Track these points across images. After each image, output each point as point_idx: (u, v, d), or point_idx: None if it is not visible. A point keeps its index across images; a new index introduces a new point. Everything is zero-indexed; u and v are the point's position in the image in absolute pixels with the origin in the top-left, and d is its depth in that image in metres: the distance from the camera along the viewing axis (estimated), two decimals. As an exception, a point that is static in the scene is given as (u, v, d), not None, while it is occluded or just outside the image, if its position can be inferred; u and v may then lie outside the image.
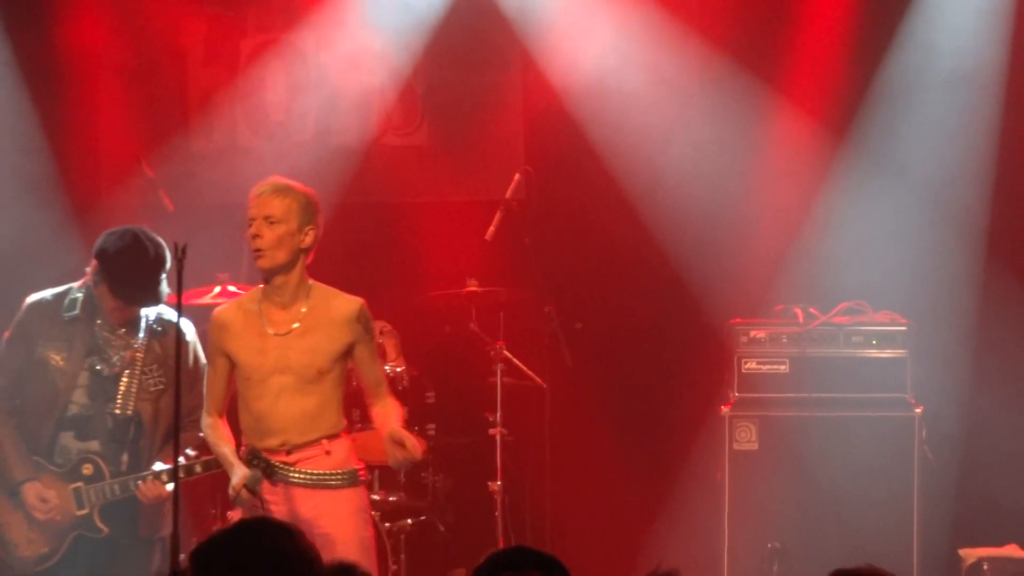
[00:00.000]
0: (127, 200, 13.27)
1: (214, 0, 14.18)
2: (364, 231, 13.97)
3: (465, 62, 14.10)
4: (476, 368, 13.00)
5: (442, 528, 12.65)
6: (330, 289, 10.02)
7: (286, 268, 9.77)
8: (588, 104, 13.69)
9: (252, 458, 9.66)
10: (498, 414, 12.60)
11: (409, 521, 12.47)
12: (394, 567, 12.04)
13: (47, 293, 10.44)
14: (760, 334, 12.66)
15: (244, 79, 14.12)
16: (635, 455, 13.41)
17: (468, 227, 13.31)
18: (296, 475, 9.77)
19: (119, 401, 10.24)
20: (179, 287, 10.21)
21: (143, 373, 10.31)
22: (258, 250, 9.73)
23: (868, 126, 13.43)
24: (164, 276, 10.24)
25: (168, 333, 10.31)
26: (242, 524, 5.77)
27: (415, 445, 9.62)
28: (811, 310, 12.66)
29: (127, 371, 10.29)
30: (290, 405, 9.76)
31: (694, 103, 13.59)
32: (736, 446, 12.36)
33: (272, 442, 9.74)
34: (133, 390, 10.27)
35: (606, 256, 13.78)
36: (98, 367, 10.26)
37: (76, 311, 10.31)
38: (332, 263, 13.29)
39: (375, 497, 12.26)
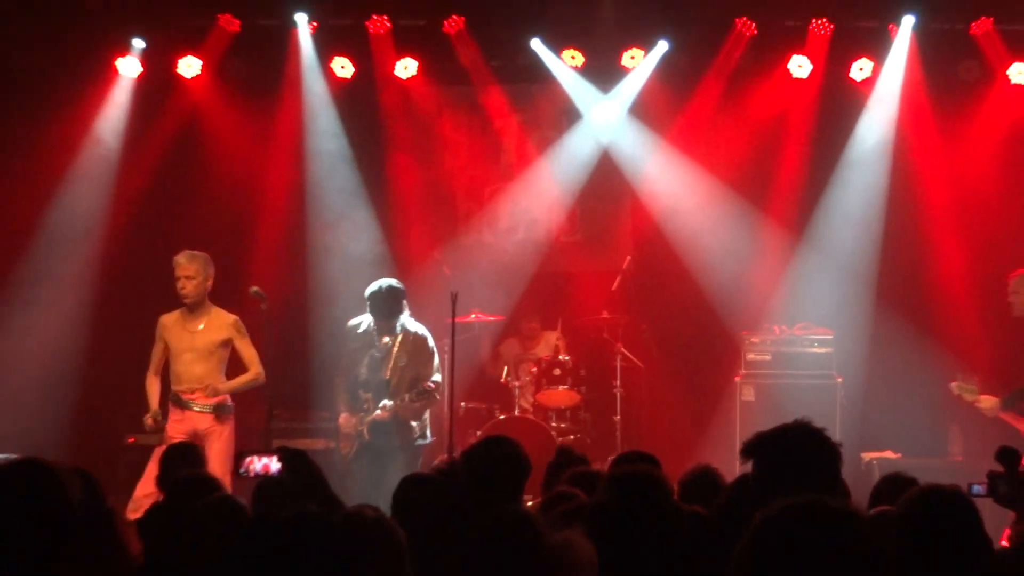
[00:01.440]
0: (425, 270, 13.19)
1: (470, 166, 13.99)
2: (548, 287, 13.75)
3: (601, 197, 13.86)
4: (606, 357, 12.84)
5: (588, 441, 12.38)
6: (216, 308, 10.53)
7: (200, 300, 10.38)
8: (663, 218, 13.55)
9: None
10: (618, 381, 12.68)
11: (571, 437, 12.30)
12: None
13: (352, 319, 10.80)
14: (756, 339, 12.62)
15: (487, 207, 14.01)
16: (688, 403, 13.25)
17: (603, 283, 13.10)
18: (195, 405, 10.27)
19: (383, 370, 10.53)
20: (453, 314, 10.60)
21: (396, 356, 10.51)
22: (185, 295, 10.36)
23: (812, 229, 13.31)
24: (395, 302, 10.52)
25: (413, 334, 10.59)
26: (491, 439, 5.98)
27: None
28: (783, 327, 12.64)
29: (387, 355, 10.53)
30: (191, 367, 10.32)
31: (720, 215, 13.39)
32: (743, 399, 12.36)
33: (181, 387, 10.31)
34: (390, 365, 10.51)
35: (674, 298, 13.47)
36: (374, 354, 10.57)
37: (364, 327, 10.65)
38: (534, 305, 13.36)
39: (552, 424, 12.40)
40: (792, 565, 2.74)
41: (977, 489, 5.83)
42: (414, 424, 10.65)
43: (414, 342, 10.62)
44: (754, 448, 4.45)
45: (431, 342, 10.66)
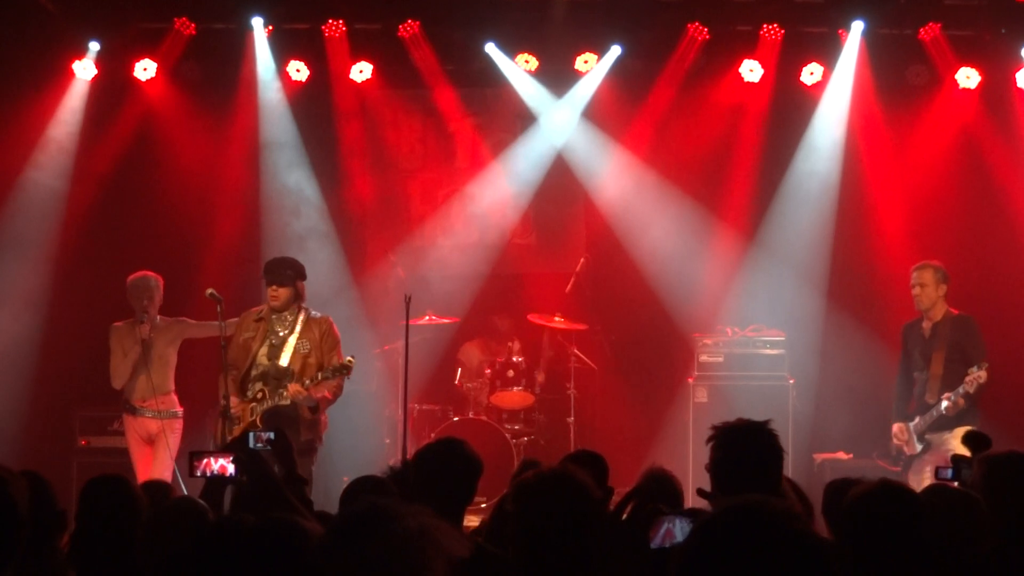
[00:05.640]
0: (380, 270, 13.19)
1: (424, 169, 13.81)
2: (501, 289, 13.52)
3: (555, 199, 13.68)
4: (562, 360, 12.79)
5: (542, 442, 12.35)
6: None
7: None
8: (616, 220, 13.38)
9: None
10: (572, 383, 12.57)
11: (525, 439, 12.29)
12: (518, 463, 11.82)
13: (252, 309, 10.07)
14: (708, 341, 12.43)
15: (441, 209, 13.80)
16: (642, 404, 13.11)
17: (556, 286, 12.99)
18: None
19: (282, 358, 9.69)
20: (407, 316, 10.31)
21: (297, 343, 9.68)
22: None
23: (764, 231, 13.16)
24: (294, 272, 9.82)
25: (317, 320, 9.82)
26: (441, 440, 5.79)
27: None
28: (736, 328, 12.50)
29: (287, 342, 9.70)
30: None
31: (672, 218, 13.19)
32: (696, 400, 12.17)
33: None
34: (290, 352, 9.68)
35: (628, 300, 13.29)
36: (273, 341, 9.71)
37: (261, 314, 9.85)
38: (486, 307, 13.35)
39: (506, 426, 12.25)
40: (732, 567, 2.68)
41: (944, 473, 5.94)
42: (311, 424, 9.76)
43: (318, 328, 9.86)
44: (720, 436, 4.87)
45: (336, 329, 9.95)
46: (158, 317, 10.74)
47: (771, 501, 2.79)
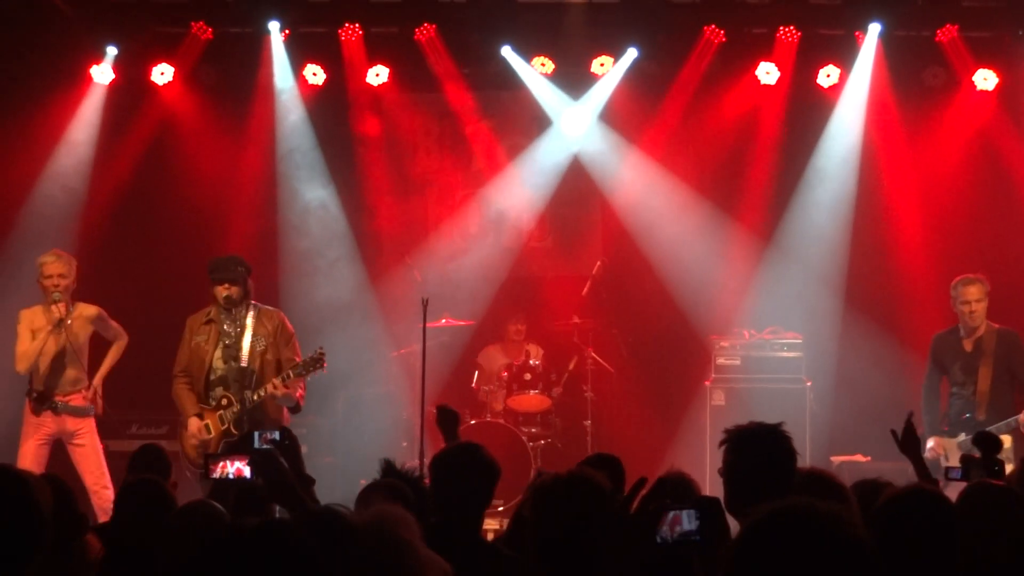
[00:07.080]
0: (397, 274, 13.09)
1: (441, 171, 13.74)
2: (518, 291, 13.52)
3: (571, 202, 13.61)
4: (578, 361, 12.65)
5: (559, 445, 12.27)
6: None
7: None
8: (632, 223, 13.32)
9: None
10: (589, 385, 12.51)
11: (542, 442, 12.21)
12: (535, 466, 11.59)
13: (197, 312, 9.72)
14: (725, 343, 12.36)
15: (458, 211, 13.74)
16: (659, 407, 12.93)
17: (574, 288, 12.91)
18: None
19: (240, 358, 9.40)
20: (424, 319, 10.26)
21: (252, 341, 9.39)
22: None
23: (780, 234, 13.07)
24: (240, 267, 9.53)
25: (267, 314, 9.54)
26: (459, 444, 5.75)
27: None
28: (752, 331, 12.41)
29: (241, 342, 9.41)
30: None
31: (690, 220, 13.12)
32: (713, 403, 12.10)
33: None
34: (247, 352, 9.39)
35: (644, 302, 13.22)
36: (226, 342, 9.42)
37: (210, 316, 9.52)
38: (504, 308, 13.28)
39: (523, 429, 12.18)
40: (783, 568, 2.67)
41: (954, 473, 6.00)
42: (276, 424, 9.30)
43: (270, 322, 9.58)
44: (732, 439, 4.88)
45: (289, 323, 9.70)
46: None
47: (819, 504, 2.76)
